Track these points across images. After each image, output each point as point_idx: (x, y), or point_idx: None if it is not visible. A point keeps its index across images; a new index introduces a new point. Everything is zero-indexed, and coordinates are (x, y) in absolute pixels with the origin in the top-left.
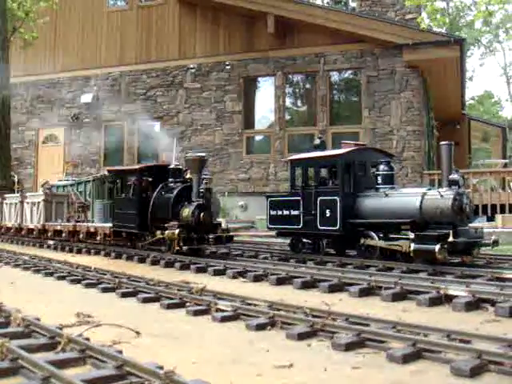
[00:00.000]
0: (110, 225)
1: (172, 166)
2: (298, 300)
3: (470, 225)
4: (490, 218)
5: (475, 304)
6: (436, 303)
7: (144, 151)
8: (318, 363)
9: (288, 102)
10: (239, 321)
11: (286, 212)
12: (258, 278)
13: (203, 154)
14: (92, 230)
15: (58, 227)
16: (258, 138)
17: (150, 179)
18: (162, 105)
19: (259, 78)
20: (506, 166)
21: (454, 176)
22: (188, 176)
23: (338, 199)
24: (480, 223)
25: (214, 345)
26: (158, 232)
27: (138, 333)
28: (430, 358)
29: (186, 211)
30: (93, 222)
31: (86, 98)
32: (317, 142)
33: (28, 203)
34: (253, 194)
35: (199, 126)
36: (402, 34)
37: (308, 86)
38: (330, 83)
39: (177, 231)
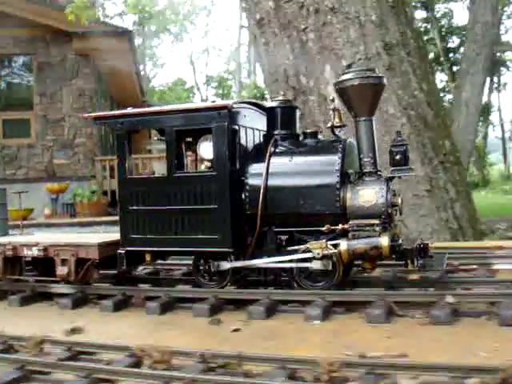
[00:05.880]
0: (101, 240)
1: (276, 104)
2: None
3: None
4: None
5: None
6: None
7: None
8: None
9: None
10: None
11: None
12: None
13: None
14: (21, 252)
15: None
16: None
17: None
18: None
19: None
20: None
21: None
22: (336, 122)
23: None
24: None
25: None
26: (316, 245)
27: None
28: None
29: (370, 195)
30: None
31: None
32: None
33: None
34: None
35: None
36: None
37: None
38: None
39: (385, 240)
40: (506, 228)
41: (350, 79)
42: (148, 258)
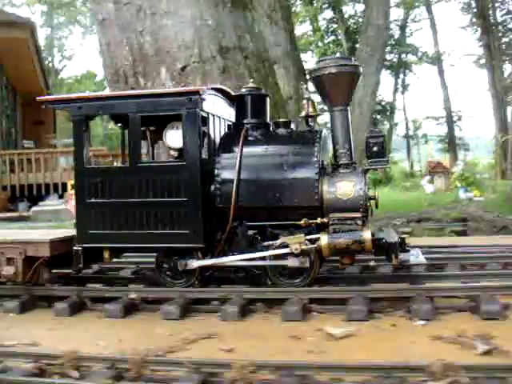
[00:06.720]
0: (53, 236)
1: (245, 92)
2: None
3: None
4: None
5: None
6: None
7: None
8: None
9: None
10: None
11: None
12: None
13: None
14: None
15: None
16: None
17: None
18: None
19: None
20: None
21: None
22: (310, 111)
23: None
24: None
25: None
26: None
27: None
28: None
29: (348, 187)
30: None
31: None
32: None
33: None
34: None
35: None
36: None
37: None
38: None
39: (368, 234)
40: (402, 223)
41: (327, 67)
42: (106, 255)
